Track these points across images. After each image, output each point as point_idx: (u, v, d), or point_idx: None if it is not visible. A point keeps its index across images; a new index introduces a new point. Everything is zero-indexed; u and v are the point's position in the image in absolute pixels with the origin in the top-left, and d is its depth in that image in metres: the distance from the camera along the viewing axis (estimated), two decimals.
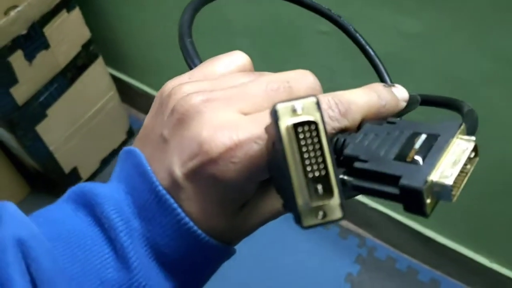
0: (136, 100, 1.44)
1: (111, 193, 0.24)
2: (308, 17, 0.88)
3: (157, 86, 1.35)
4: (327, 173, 0.18)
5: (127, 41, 1.28)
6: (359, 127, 0.22)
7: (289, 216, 0.19)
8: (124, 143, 1.39)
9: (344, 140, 0.21)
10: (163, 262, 0.23)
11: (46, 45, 1.02)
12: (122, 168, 0.24)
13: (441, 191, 0.18)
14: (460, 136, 0.20)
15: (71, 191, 0.25)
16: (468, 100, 0.26)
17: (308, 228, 0.18)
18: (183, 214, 0.22)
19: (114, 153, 1.37)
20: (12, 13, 0.93)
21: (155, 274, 0.23)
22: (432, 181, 0.18)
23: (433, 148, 0.19)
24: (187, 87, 0.23)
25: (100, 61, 1.19)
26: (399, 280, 1.13)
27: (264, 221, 0.24)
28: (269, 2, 0.89)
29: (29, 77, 1.02)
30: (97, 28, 1.18)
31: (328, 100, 0.22)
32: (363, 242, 1.19)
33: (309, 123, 0.17)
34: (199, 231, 0.23)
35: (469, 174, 0.19)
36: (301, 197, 0.17)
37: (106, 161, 1.36)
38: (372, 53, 0.32)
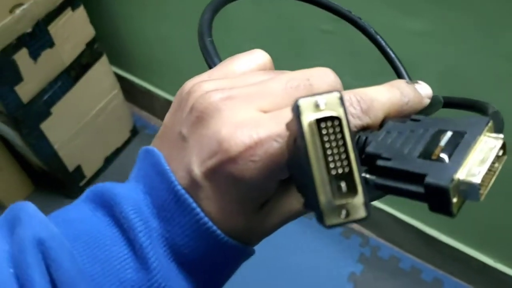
0: (139, 99, 1.44)
1: (129, 193, 0.23)
2: (311, 16, 0.88)
3: (161, 85, 1.35)
4: (351, 170, 0.17)
5: (131, 39, 1.29)
6: (381, 125, 0.22)
7: None
8: (128, 141, 1.39)
9: (366, 138, 0.21)
10: (182, 262, 0.23)
11: (51, 43, 1.03)
12: (141, 167, 0.24)
13: (468, 190, 0.17)
14: (488, 133, 0.19)
15: (89, 190, 0.25)
16: None
17: (331, 227, 0.17)
18: (202, 214, 0.22)
19: (118, 151, 1.37)
20: (17, 11, 0.93)
21: (174, 274, 0.23)
22: (458, 180, 0.17)
23: (459, 145, 0.18)
24: (206, 85, 0.23)
25: (104, 60, 1.19)
26: (403, 280, 1.13)
27: (284, 220, 0.24)
28: (271, 1, 0.89)
29: (34, 75, 1.02)
30: (101, 27, 1.19)
31: (350, 97, 0.21)
32: (366, 242, 1.18)
33: (332, 118, 0.17)
34: (218, 231, 0.22)
35: (497, 173, 0.18)
36: (323, 195, 0.17)
37: (110, 159, 1.36)
38: (392, 55, 0.31)
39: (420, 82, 0.25)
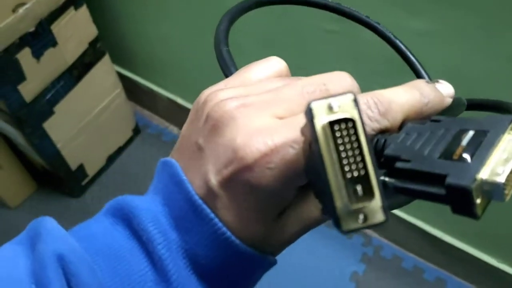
0: (142, 98, 1.44)
1: (148, 205, 0.23)
2: (315, 16, 0.88)
3: (164, 84, 1.35)
4: (367, 173, 0.17)
5: (134, 39, 1.29)
6: (400, 127, 0.21)
7: None
8: (130, 140, 1.39)
9: (385, 141, 0.20)
10: (201, 273, 0.23)
11: (53, 43, 1.03)
12: (159, 179, 0.24)
13: (492, 190, 0.16)
14: None
15: (110, 204, 0.25)
16: None
17: (348, 232, 0.17)
18: (220, 224, 0.22)
19: (120, 150, 1.38)
20: (20, 11, 0.93)
21: (194, 286, 0.23)
22: (481, 179, 0.16)
23: (482, 144, 0.17)
24: (222, 94, 0.22)
25: (106, 59, 1.19)
26: (405, 279, 1.12)
27: (304, 228, 0.23)
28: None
29: (36, 74, 1.02)
30: (104, 26, 1.19)
31: (367, 99, 0.21)
32: (368, 241, 1.18)
33: (346, 120, 0.17)
34: (237, 241, 0.22)
35: None
36: (339, 199, 0.17)
37: (112, 158, 1.36)
38: (413, 59, 0.30)
39: (441, 81, 0.24)
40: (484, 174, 0.16)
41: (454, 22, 0.71)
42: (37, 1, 0.95)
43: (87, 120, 1.21)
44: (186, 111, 1.32)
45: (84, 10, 1.07)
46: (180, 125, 1.42)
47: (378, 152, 0.20)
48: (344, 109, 0.17)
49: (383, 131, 0.21)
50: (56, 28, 1.02)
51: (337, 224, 0.17)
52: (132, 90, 1.40)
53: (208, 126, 0.22)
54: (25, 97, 1.02)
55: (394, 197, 0.23)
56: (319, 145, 0.17)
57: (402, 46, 0.31)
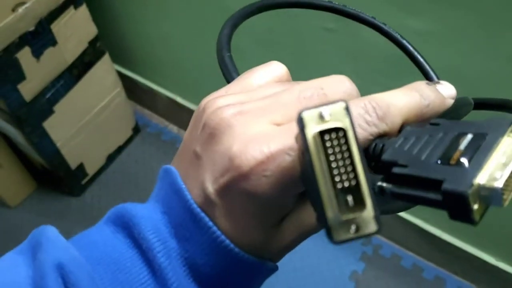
0: (142, 97, 1.44)
1: (148, 213, 0.23)
2: (314, 15, 0.88)
3: (163, 83, 1.35)
4: (358, 183, 0.16)
5: (134, 38, 1.29)
6: (400, 130, 0.21)
7: None
8: (130, 139, 1.39)
9: (383, 146, 0.20)
10: (201, 281, 0.23)
11: (53, 42, 1.03)
12: (160, 187, 0.24)
13: (490, 195, 0.16)
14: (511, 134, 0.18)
15: (111, 212, 0.25)
16: None
17: (340, 243, 0.17)
18: (218, 232, 0.22)
19: (120, 149, 1.38)
20: (20, 10, 0.93)
21: None
22: (479, 184, 0.16)
23: (480, 148, 0.17)
24: (220, 101, 0.22)
25: (106, 58, 1.19)
26: (404, 278, 1.13)
27: (304, 234, 0.23)
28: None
29: (36, 73, 1.03)
30: (103, 25, 1.19)
31: (365, 104, 0.20)
32: (368, 240, 1.18)
33: (336, 130, 0.16)
34: (236, 249, 0.22)
35: None
36: (330, 210, 0.16)
37: (112, 158, 1.36)
38: (421, 59, 0.30)
39: (442, 82, 0.23)
40: (481, 179, 0.16)
41: (454, 22, 0.71)
42: (37, 1, 0.95)
43: (87, 119, 1.21)
44: (186, 110, 1.33)
45: (83, 9, 1.07)
46: (179, 124, 1.42)
47: (376, 157, 0.20)
48: (336, 117, 0.17)
49: (382, 136, 0.20)
50: (56, 27, 1.02)
51: (329, 234, 0.17)
52: (132, 89, 1.40)
53: (205, 134, 0.22)
54: (25, 96, 1.03)
55: (392, 202, 0.23)
56: (310, 155, 0.16)
57: (410, 47, 0.30)
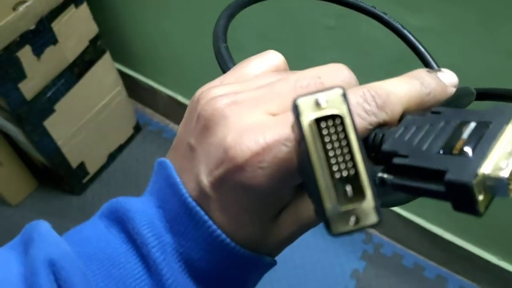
0: (143, 95, 1.44)
1: (142, 207, 0.23)
2: (314, 12, 0.88)
3: (164, 82, 1.35)
4: (357, 172, 0.16)
5: (134, 36, 1.29)
6: (400, 119, 0.20)
7: None
8: (131, 138, 1.39)
9: (383, 136, 0.19)
10: (197, 277, 0.22)
11: (54, 40, 1.03)
12: (155, 181, 0.24)
13: (495, 186, 0.15)
14: None
15: (105, 206, 0.24)
16: None
17: (339, 235, 0.16)
18: (214, 227, 0.21)
19: (121, 148, 1.38)
20: (21, 8, 0.93)
21: None
22: (483, 174, 0.15)
23: (484, 137, 0.16)
24: (214, 91, 0.21)
25: (107, 57, 1.19)
26: (405, 277, 1.13)
27: (303, 228, 0.22)
28: None
29: (37, 72, 1.03)
30: (104, 24, 1.19)
31: (363, 92, 0.20)
32: (369, 239, 1.18)
33: (333, 117, 0.16)
34: (232, 243, 0.21)
35: None
36: (328, 201, 0.16)
37: (113, 156, 1.36)
38: (422, 49, 0.29)
39: (443, 70, 0.23)
40: (486, 168, 0.15)
41: (453, 18, 0.71)
42: None
43: (87, 118, 1.21)
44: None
45: (84, 8, 1.07)
46: (180, 122, 1.42)
47: (375, 147, 0.19)
48: (333, 104, 0.16)
49: (381, 125, 0.20)
50: (57, 26, 1.02)
51: (327, 227, 0.16)
52: (133, 88, 1.40)
53: (199, 125, 0.21)
54: (26, 95, 1.03)
55: (393, 194, 0.23)
56: (306, 143, 0.16)
57: (411, 36, 0.30)
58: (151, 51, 1.29)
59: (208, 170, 0.21)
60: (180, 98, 1.33)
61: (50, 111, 1.11)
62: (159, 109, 1.45)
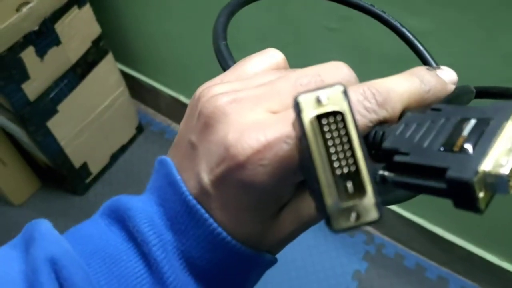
0: (145, 96, 1.45)
1: (143, 205, 0.23)
2: (316, 14, 0.88)
3: (167, 82, 1.36)
4: (358, 168, 0.16)
5: (137, 37, 1.29)
6: (400, 117, 0.20)
7: None
8: (134, 138, 1.40)
9: (383, 133, 0.19)
10: (198, 274, 0.22)
11: (57, 41, 1.03)
12: (156, 179, 0.24)
13: (496, 183, 0.15)
14: None
15: (106, 205, 0.24)
16: None
17: (340, 231, 0.16)
18: (215, 225, 0.21)
19: (124, 148, 1.38)
20: (24, 10, 0.94)
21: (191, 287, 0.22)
22: (484, 172, 0.15)
23: (484, 134, 0.16)
24: (215, 89, 0.21)
25: (110, 57, 1.19)
26: (407, 277, 1.13)
27: (304, 226, 0.22)
28: None
29: (40, 73, 1.03)
30: (107, 24, 1.19)
31: (364, 90, 0.20)
32: (371, 239, 1.18)
33: (334, 113, 0.16)
34: (233, 241, 0.21)
35: None
36: (329, 197, 0.16)
37: (116, 156, 1.37)
38: (421, 47, 0.29)
39: (443, 67, 0.23)
40: (486, 165, 0.15)
41: (452, 21, 0.71)
42: (41, 0, 0.96)
43: (90, 119, 1.22)
44: None
45: (87, 9, 1.08)
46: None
47: (376, 145, 0.19)
48: (334, 101, 0.16)
49: (382, 122, 0.20)
50: (60, 27, 1.02)
51: (328, 223, 0.16)
52: (135, 88, 1.40)
53: (200, 123, 0.21)
54: (29, 96, 1.03)
55: (394, 191, 0.23)
56: (307, 140, 0.16)
57: (409, 35, 0.30)
58: (154, 52, 1.29)
59: (209, 168, 0.21)
60: (182, 98, 1.33)
61: (53, 111, 1.11)
62: (161, 110, 1.45)
